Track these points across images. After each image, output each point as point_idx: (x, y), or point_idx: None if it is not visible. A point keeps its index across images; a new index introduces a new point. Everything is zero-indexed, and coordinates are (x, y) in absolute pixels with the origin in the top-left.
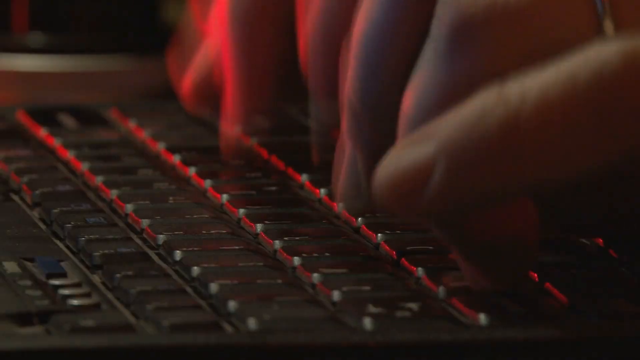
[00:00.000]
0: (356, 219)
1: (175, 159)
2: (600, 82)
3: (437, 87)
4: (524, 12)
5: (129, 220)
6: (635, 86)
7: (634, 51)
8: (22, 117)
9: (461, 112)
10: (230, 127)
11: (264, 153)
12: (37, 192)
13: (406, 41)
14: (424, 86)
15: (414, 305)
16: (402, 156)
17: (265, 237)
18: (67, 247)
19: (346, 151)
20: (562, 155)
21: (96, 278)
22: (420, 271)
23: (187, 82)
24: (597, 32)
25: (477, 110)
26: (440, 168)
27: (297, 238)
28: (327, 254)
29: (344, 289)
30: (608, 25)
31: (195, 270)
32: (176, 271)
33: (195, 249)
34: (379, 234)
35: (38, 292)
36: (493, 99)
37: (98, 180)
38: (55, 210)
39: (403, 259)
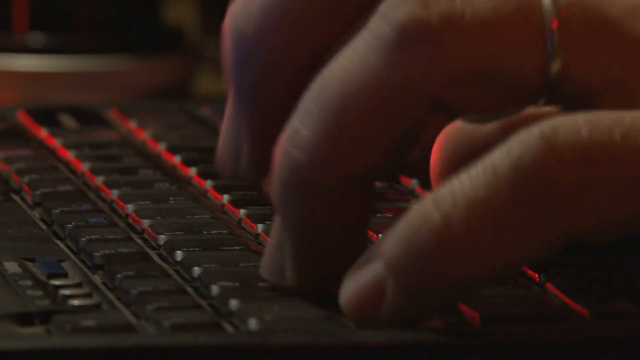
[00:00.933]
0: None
1: (176, 159)
2: (520, 170)
3: (365, 80)
4: (477, 30)
5: (130, 221)
6: (554, 166)
7: (553, 132)
8: (22, 117)
9: (401, 226)
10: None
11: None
12: (38, 192)
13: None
14: (349, 75)
15: None
16: (357, 278)
17: (266, 238)
18: (68, 247)
19: (227, 112)
20: (497, 252)
21: (97, 278)
22: None
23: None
24: (542, 73)
25: (414, 221)
26: (390, 286)
27: None
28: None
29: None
30: (555, 68)
31: (196, 270)
32: (177, 271)
33: (196, 249)
34: (380, 234)
35: (39, 292)
36: (429, 206)
37: (98, 180)
38: (56, 211)
39: None
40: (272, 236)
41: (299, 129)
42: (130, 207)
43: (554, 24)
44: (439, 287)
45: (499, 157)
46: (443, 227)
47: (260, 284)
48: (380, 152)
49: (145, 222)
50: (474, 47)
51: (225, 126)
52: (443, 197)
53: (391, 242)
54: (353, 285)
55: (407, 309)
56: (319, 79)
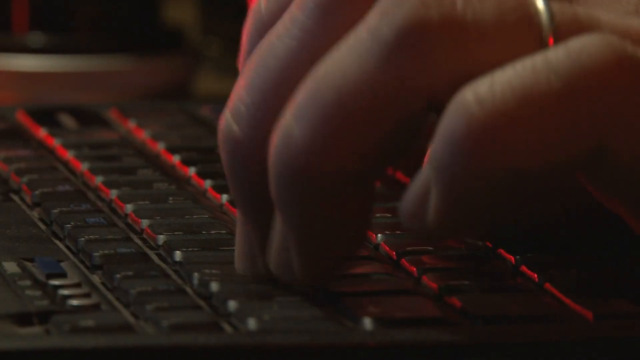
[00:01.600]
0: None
1: (175, 159)
2: (579, 68)
3: (361, 80)
4: (477, 35)
5: (129, 221)
6: (615, 74)
7: (616, 39)
8: (22, 117)
9: (442, 124)
10: None
11: None
12: (37, 192)
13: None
14: (344, 75)
15: (413, 305)
16: (411, 187)
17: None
18: (67, 247)
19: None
20: (537, 148)
21: (96, 278)
22: (420, 271)
23: None
24: None
25: (452, 116)
26: (434, 188)
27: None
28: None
29: (344, 289)
30: None
31: (194, 272)
32: (176, 271)
33: (195, 249)
34: (379, 234)
35: (38, 293)
36: (469, 99)
37: (98, 180)
38: (55, 211)
39: (403, 259)
40: (276, 236)
41: (293, 128)
42: (129, 207)
43: (551, 41)
44: (479, 184)
45: (554, 53)
46: (483, 118)
47: (260, 284)
48: (376, 152)
49: (145, 222)
50: (472, 51)
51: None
52: (482, 89)
53: (434, 142)
54: (407, 196)
55: (450, 212)
56: (313, 76)
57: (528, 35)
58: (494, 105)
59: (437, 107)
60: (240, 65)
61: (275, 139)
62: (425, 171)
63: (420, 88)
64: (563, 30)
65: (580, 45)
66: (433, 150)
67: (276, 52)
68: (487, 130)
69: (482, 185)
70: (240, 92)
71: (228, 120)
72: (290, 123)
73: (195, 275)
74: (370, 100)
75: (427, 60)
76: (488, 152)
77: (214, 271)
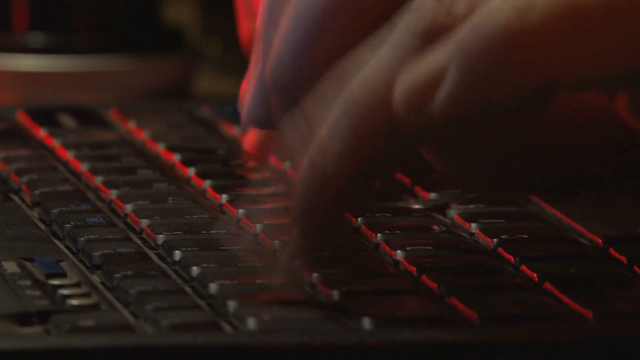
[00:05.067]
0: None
1: (175, 159)
2: None
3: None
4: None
5: (129, 220)
6: None
7: None
8: (22, 117)
9: (474, 17)
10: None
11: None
12: (37, 192)
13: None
14: (376, 89)
15: (413, 305)
16: (420, 65)
17: (265, 238)
18: (67, 247)
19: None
20: (569, 58)
21: (95, 278)
22: (420, 271)
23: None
24: None
25: (485, 12)
26: (452, 70)
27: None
28: (326, 254)
29: (344, 288)
30: None
31: (195, 270)
32: (175, 271)
33: (195, 249)
34: (379, 234)
35: (37, 292)
36: (507, 4)
37: (97, 180)
38: (55, 211)
39: (403, 259)
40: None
41: (328, 142)
42: (129, 207)
43: None
44: (499, 81)
45: None
46: (519, 16)
47: (259, 284)
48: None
49: (144, 222)
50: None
51: None
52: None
53: (462, 30)
54: (410, 75)
55: (459, 100)
56: (347, 91)
57: None
58: (533, 18)
59: None
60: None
61: (311, 150)
62: (443, 56)
63: None
64: None
65: None
66: (462, 42)
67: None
68: (524, 41)
69: (506, 92)
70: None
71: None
72: (325, 136)
73: (195, 275)
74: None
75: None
76: (522, 62)
77: (213, 271)
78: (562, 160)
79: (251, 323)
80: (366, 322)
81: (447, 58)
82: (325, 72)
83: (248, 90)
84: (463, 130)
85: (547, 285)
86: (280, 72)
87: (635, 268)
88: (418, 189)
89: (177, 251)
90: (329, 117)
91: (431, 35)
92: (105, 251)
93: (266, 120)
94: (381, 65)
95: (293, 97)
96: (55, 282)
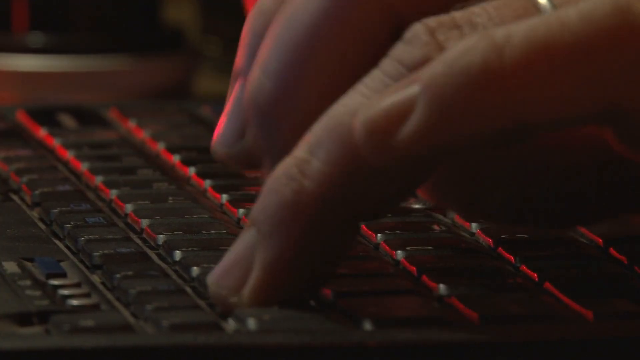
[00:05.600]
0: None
1: (175, 159)
2: (590, 26)
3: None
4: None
5: (129, 220)
6: (626, 36)
7: (627, 3)
8: (22, 117)
9: (446, 53)
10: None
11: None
12: (37, 192)
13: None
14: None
15: (413, 305)
16: (385, 97)
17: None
18: (67, 247)
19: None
20: (544, 98)
21: (96, 278)
22: (420, 271)
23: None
24: None
25: (461, 48)
26: (421, 104)
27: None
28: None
29: (344, 288)
30: None
31: (195, 270)
32: (176, 271)
33: (195, 249)
34: (379, 234)
35: (38, 292)
36: (477, 37)
37: (98, 180)
38: (55, 210)
39: (403, 259)
40: (237, 248)
41: (310, 159)
42: (129, 207)
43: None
44: (470, 119)
45: (566, 12)
46: (495, 55)
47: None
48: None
49: (144, 222)
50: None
51: None
52: (496, 32)
53: (432, 65)
54: (376, 104)
55: (427, 136)
56: (331, 111)
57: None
58: (510, 56)
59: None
60: (237, 64)
61: (288, 164)
62: (411, 88)
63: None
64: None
65: (591, 7)
66: (433, 74)
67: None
68: (501, 79)
69: (480, 129)
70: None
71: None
72: (306, 153)
73: (195, 275)
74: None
75: None
76: (498, 100)
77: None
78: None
79: (251, 323)
80: (366, 322)
81: (416, 91)
82: (311, 97)
83: (223, 115)
84: (431, 166)
85: (547, 285)
86: (262, 90)
87: (635, 268)
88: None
89: (178, 251)
90: (311, 135)
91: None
92: (106, 251)
93: (241, 156)
94: (362, 92)
95: (272, 124)
96: (56, 282)
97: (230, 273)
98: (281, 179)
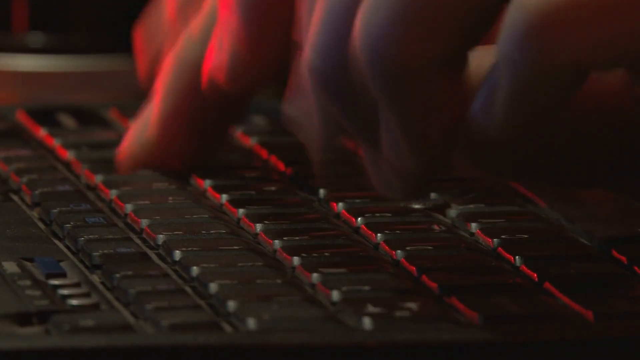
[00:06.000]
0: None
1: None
2: None
3: None
4: None
5: (129, 220)
6: None
7: None
8: (22, 117)
9: (506, 18)
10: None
11: (264, 153)
12: (37, 192)
13: None
14: None
15: (413, 305)
16: (483, 82)
17: (265, 237)
18: (67, 247)
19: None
20: (603, 35)
21: (95, 278)
22: (420, 271)
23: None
24: None
25: (516, 8)
26: (503, 82)
27: (296, 238)
28: (326, 254)
29: (344, 288)
30: None
31: (195, 270)
32: (175, 271)
33: (195, 249)
34: (379, 234)
35: (37, 292)
36: None
37: (97, 180)
38: (55, 210)
39: (403, 259)
40: (384, 133)
41: (372, 17)
42: (129, 207)
43: None
44: (544, 78)
45: None
46: (544, 12)
47: (259, 284)
48: (455, 34)
49: (144, 222)
50: None
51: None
52: None
53: (501, 37)
54: (480, 92)
55: (517, 108)
56: None
57: None
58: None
59: None
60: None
61: (358, 32)
62: (496, 66)
63: None
64: None
65: None
66: (500, 45)
67: None
68: (548, 24)
69: (547, 79)
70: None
71: (312, 57)
72: (369, 13)
73: (195, 275)
74: None
75: None
76: (550, 45)
77: (213, 271)
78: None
79: (251, 323)
80: (366, 322)
81: (499, 70)
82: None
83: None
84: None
85: (547, 285)
86: (319, 60)
87: (635, 268)
88: None
89: (177, 251)
90: None
91: None
92: (105, 251)
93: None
94: None
95: (340, 90)
96: (55, 282)
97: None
98: (362, 52)
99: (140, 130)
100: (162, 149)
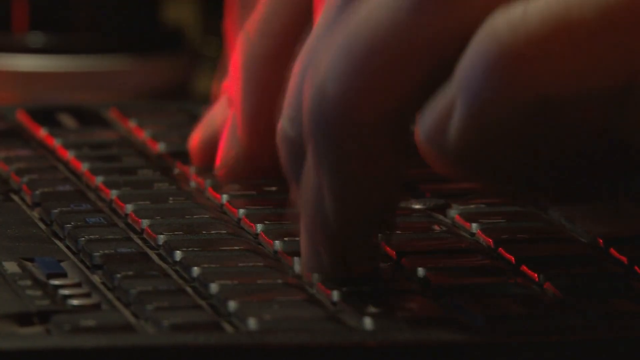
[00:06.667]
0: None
1: (175, 159)
2: (613, 2)
3: (396, 23)
4: None
5: (129, 221)
6: None
7: None
8: (22, 117)
9: (472, 46)
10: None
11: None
12: (37, 192)
13: None
14: (377, 21)
15: (414, 305)
16: (431, 106)
17: (265, 238)
18: (67, 247)
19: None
20: (571, 69)
21: (96, 278)
22: (420, 271)
23: (196, 138)
24: None
25: (485, 37)
26: (459, 104)
27: (296, 238)
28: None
29: (344, 289)
30: None
31: (196, 270)
32: (176, 271)
33: (196, 249)
34: (379, 234)
35: (38, 292)
36: (500, 26)
37: (98, 180)
38: (55, 211)
39: (403, 259)
40: (306, 207)
41: (326, 83)
42: (129, 207)
43: None
44: (506, 109)
45: None
46: (515, 44)
47: (259, 284)
48: (410, 101)
49: (145, 222)
50: None
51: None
52: (515, 15)
53: (463, 63)
54: (427, 113)
55: (473, 136)
56: (344, 32)
57: None
58: (526, 32)
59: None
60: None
61: (309, 95)
62: (451, 90)
63: (453, 30)
64: None
65: None
66: (461, 71)
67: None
68: (518, 55)
69: (509, 111)
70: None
71: (284, 125)
72: (324, 78)
73: (196, 275)
74: (403, 49)
75: (458, 2)
76: (518, 77)
77: (214, 271)
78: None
79: (252, 323)
80: (366, 322)
81: (454, 92)
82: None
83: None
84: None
85: (547, 285)
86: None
87: (636, 268)
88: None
89: (178, 251)
90: (327, 55)
91: None
92: (106, 251)
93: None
94: (318, 34)
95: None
96: (56, 282)
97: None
98: (308, 118)
99: (230, 139)
100: (255, 150)
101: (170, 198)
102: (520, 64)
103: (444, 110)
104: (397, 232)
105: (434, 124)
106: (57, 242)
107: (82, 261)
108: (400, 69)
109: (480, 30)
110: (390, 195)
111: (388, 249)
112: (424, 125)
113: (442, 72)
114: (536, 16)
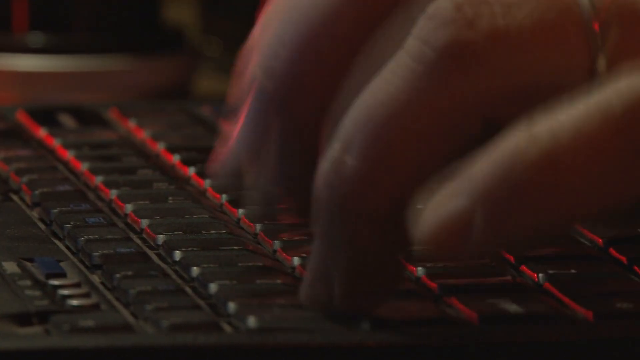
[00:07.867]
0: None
1: (175, 159)
2: (635, 111)
3: (413, 104)
4: (523, 44)
5: (129, 221)
6: None
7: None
8: (22, 117)
9: (492, 158)
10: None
11: None
12: (37, 192)
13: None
14: (393, 100)
15: (414, 305)
16: (440, 212)
17: (265, 237)
18: (67, 247)
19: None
20: (599, 187)
21: (95, 278)
22: (420, 271)
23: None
24: (590, 74)
25: (508, 154)
26: (479, 218)
27: (296, 238)
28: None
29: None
30: (601, 67)
31: (195, 270)
32: (175, 271)
33: (195, 249)
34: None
35: (37, 292)
36: (524, 140)
37: (98, 180)
38: (55, 211)
39: (403, 259)
40: (312, 266)
41: (344, 158)
42: (129, 207)
43: (596, 26)
44: (531, 220)
45: (606, 96)
46: (545, 159)
47: (259, 284)
48: (430, 175)
49: (144, 222)
50: (523, 62)
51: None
52: (541, 132)
53: (480, 176)
54: (435, 219)
55: (494, 242)
56: (359, 104)
57: (572, 27)
58: (553, 150)
59: (493, 122)
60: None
61: (325, 169)
62: (463, 201)
63: (474, 105)
64: (604, 12)
65: (630, 88)
66: (480, 181)
67: None
68: (547, 175)
69: (535, 226)
70: None
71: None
72: (339, 152)
73: (195, 275)
74: (424, 124)
75: (477, 76)
76: (546, 197)
77: (213, 271)
78: None
79: (251, 323)
80: (366, 322)
81: (472, 207)
82: (322, 75)
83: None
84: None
85: (547, 285)
86: (272, 69)
87: (635, 268)
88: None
89: (177, 251)
90: (341, 132)
91: (454, 54)
92: (105, 251)
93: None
94: (388, 79)
95: (284, 104)
96: (55, 282)
97: (315, 287)
98: (323, 189)
99: None
100: None
101: (170, 198)
102: (548, 185)
103: (460, 220)
104: None
105: (447, 232)
106: (57, 242)
107: (81, 261)
108: (420, 148)
109: (503, 144)
110: (397, 265)
111: None
112: (432, 230)
113: (462, 148)
114: (561, 133)
